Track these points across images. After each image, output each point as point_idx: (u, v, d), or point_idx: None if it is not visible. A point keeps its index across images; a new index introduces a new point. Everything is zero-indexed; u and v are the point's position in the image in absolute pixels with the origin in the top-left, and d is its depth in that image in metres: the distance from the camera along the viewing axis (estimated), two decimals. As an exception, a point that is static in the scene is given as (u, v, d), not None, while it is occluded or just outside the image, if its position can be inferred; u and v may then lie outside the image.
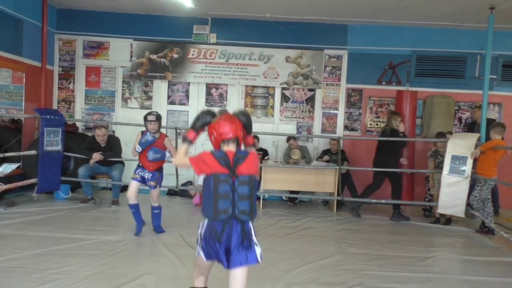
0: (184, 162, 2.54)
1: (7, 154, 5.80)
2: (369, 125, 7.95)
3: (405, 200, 7.23)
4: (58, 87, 7.97)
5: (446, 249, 4.98)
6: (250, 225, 2.50)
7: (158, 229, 5.06)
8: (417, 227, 6.02)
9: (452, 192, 5.75)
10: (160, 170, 5.02)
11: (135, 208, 4.94)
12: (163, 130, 7.73)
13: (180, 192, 7.35)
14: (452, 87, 7.75)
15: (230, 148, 2.47)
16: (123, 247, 4.40)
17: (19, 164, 5.78)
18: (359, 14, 7.14)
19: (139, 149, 4.83)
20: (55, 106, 7.85)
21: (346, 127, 7.96)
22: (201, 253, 2.50)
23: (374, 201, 7.06)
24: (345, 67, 7.87)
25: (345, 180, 7.13)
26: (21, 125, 6.85)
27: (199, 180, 7.15)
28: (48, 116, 6.10)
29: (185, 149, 2.57)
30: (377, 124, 7.92)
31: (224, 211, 2.38)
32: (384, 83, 7.82)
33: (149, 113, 4.97)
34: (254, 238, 2.53)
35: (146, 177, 4.92)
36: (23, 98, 6.89)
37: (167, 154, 5.04)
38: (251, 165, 2.46)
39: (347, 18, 7.45)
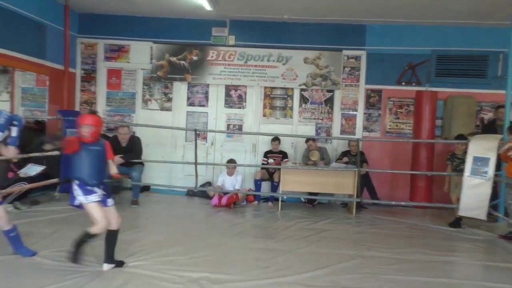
0: None
1: (31, 155, 5.95)
2: (388, 126, 7.85)
3: (424, 202, 7.14)
4: (80, 90, 8.14)
5: (467, 254, 4.87)
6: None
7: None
8: (437, 230, 5.90)
9: (474, 194, 5.61)
10: None
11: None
12: (182, 131, 7.88)
13: (198, 193, 7.41)
14: (473, 87, 7.58)
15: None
16: (141, 246, 4.46)
17: (44, 167, 5.91)
18: (378, 14, 7.07)
19: None
20: (77, 108, 8.02)
21: (365, 128, 7.88)
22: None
23: (393, 203, 6.99)
24: (364, 68, 7.80)
25: (365, 182, 7.07)
26: (44, 126, 7.02)
27: (218, 181, 7.20)
28: (70, 118, 6.25)
29: None
30: (396, 125, 7.82)
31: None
32: (403, 83, 7.72)
33: None
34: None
35: None
36: (47, 100, 7.07)
37: None
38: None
39: (365, 18, 7.39)
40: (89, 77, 8.13)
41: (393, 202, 6.99)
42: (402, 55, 7.64)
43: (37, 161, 6.05)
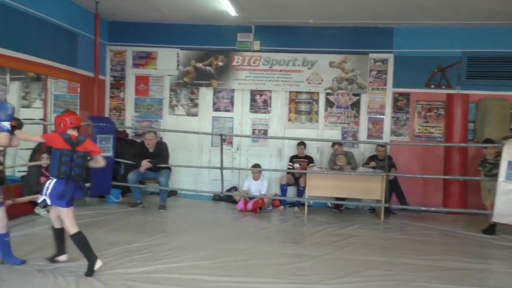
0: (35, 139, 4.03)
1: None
2: (417, 130, 7.68)
3: (458, 208, 6.94)
4: (110, 96, 8.33)
5: (501, 261, 4.70)
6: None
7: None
8: (470, 237, 5.71)
9: (509, 199, 5.43)
10: None
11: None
12: (208, 137, 7.95)
13: (224, 198, 7.44)
14: (507, 89, 7.32)
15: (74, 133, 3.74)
16: (169, 250, 4.51)
17: None
18: (405, 16, 6.95)
19: None
20: (107, 114, 8.21)
21: (393, 132, 7.74)
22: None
23: (423, 208, 6.82)
24: (391, 71, 7.67)
25: (393, 187, 6.93)
26: (76, 132, 7.20)
27: (244, 185, 7.21)
28: (100, 124, 6.40)
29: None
30: (426, 129, 7.64)
31: (65, 173, 3.67)
32: (432, 86, 7.54)
33: None
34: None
35: None
36: (78, 107, 7.26)
37: None
38: (88, 146, 3.80)
39: (392, 21, 7.27)
40: (118, 83, 8.32)
41: (423, 208, 6.82)
42: (430, 57, 7.47)
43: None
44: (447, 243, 5.38)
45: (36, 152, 6.16)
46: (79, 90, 7.25)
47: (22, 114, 6.43)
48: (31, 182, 5.65)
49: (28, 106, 6.51)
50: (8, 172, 5.50)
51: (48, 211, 5.75)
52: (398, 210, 7.03)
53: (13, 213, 5.25)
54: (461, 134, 7.18)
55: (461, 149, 7.16)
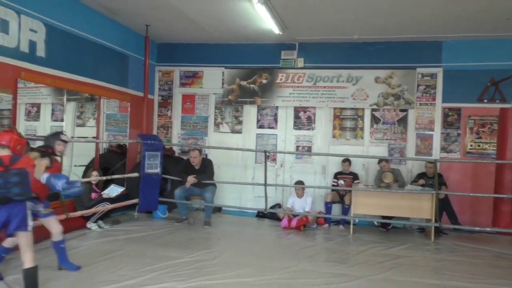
0: None
1: (114, 176, 6.40)
2: (469, 147, 7.34)
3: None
4: (158, 114, 8.64)
5: None
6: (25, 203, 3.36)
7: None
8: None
9: None
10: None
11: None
12: (252, 153, 8.01)
13: (268, 215, 7.42)
14: None
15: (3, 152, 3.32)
16: (213, 266, 4.54)
17: (124, 188, 6.29)
18: (455, 29, 6.73)
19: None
20: (155, 132, 8.50)
21: (443, 149, 7.44)
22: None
23: (477, 229, 6.47)
24: (441, 86, 7.42)
25: (443, 206, 6.63)
26: (126, 150, 7.52)
27: (288, 202, 7.17)
28: (149, 141, 6.64)
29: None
30: (478, 146, 7.29)
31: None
32: (485, 101, 7.21)
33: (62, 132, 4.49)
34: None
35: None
36: (128, 125, 7.58)
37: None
38: (22, 162, 3.33)
39: (441, 34, 7.06)
40: (166, 102, 8.61)
41: (477, 228, 6.46)
42: (483, 71, 7.15)
43: (117, 182, 6.46)
44: (501, 266, 5.04)
45: (88, 169, 6.47)
46: (129, 109, 7.57)
47: (77, 132, 6.81)
48: (83, 198, 5.92)
49: (82, 125, 6.86)
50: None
51: (99, 226, 6.00)
52: (449, 230, 6.70)
53: (67, 227, 5.52)
54: (516, 150, 6.77)
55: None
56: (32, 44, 5.35)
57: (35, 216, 3.92)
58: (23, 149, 3.56)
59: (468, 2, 5.62)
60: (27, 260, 3.33)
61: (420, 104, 7.52)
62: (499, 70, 7.08)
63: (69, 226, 5.55)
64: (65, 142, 4.29)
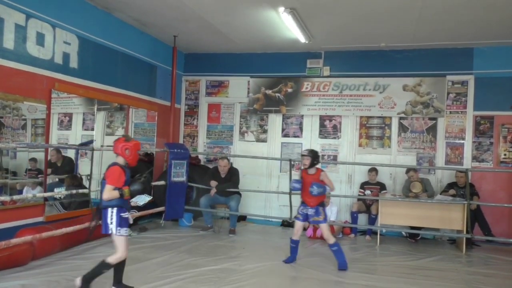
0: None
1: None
2: (503, 156, 7.10)
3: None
4: (184, 124, 8.76)
5: None
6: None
7: (341, 266, 4.91)
8: None
9: None
10: (322, 204, 5.04)
11: (295, 243, 5.16)
12: (277, 162, 8.00)
13: (293, 224, 7.34)
14: None
15: None
16: (238, 275, 4.53)
17: (152, 197, 6.36)
18: (487, 35, 6.56)
19: (297, 185, 5.02)
20: (181, 141, 8.62)
21: (474, 158, 7.22)
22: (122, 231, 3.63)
23: (511, 240, 6.23)
24: (472, 93, 7.23)
25: (476, 217, 6.41)
26: (153, 158, 7.65)
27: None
28: (175, 150, 6.72)
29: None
30: (512, 155, 7.05)
31: None
32: (519, 108, 6.98)
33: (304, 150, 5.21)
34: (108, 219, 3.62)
35: (309, 213, 5.02)
36: (155, 134, 7.71)
37: (327, 188, 5.04)
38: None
39: (472, 41, 6.90)
40: (192, 111, 8.73)
41: (511, 240, 6.21)
42: (516, 77, 6.95)
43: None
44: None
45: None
46: (156, 118, 7.71)
47: (106, 141, 6.97)
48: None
49: (112, 134, 7.02)
50: (93, 195, 5.99)
51: (131, 233, 6.10)
52: (482, 242, 6.48)
53: (96, 234, 5.64)
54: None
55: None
56: (66, 56, 5.56)
57: None
58: (135, 151, 3.78)
59: (499, 9, 5.48)
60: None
61: (450, 112, 7.34)
62: (533, 76, 6.85)
63: (98, 233, 5.66)
64: None
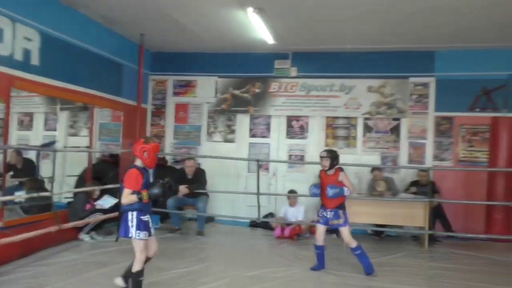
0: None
1: (106, 186, 6.33)
2: (462, 155, 7.41)
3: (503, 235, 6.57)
4: (151, 124, 8.60)
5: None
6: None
7: (367, 270, 4.74)
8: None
9: None
10: (341, 207, 4.81)
11: (320, 249, 4.90)
12: (245, 162, 8.00)
13: (261, 224, 7.39)
14: (556, 111, 6.98)
15: None
16: (207, 277, 4.49)
17: (118, 200, 6.20)
18: (447, 39, 6.82)
19: (316, 191, 4.90)
20: (147, 141, 8.44)
21: (435, 157, 7.49)
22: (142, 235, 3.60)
23: (470, 235, 6.51)
24: (433, 95, 7.51)
25: (437, 214, 6.66)
26: (118, 159, 7.46)
27: (281, 212, 7.15)
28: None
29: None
30: (471, 154, 7.36)
31: None
32: (477, 110, 7.29)
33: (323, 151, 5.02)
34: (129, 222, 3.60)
35: (328, 216, 4.81)
36: (121, 135, 7.53)
37: (346, 189, 4.77)
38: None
39: (433, 45, 7.16)
40: (159, 111, 8.59)
41: (470, 235, 6.49)
42: (475, 80, 7.26)
43: (110, 192, 6.40)
44: (497, 273, 5.07)
45: (81, 179, 6.41)
46: (122, 118, 7.53)
47: (70, 142, 6.75)
48: (77, 209, 5.85)
49: (75, 135, 6.82)
50: (55, 198, 5.78)
51: (92, 238, 5.93)
52: (443, 238, 6.73)
53: (59, 239, 5.46)
54: (507, 158, 6.87)
55: (507, 174, 6.82)
56: (27, 53, 5.31)
57: None
58: (153, 153, 3.69)
59: (460, 14, 5.71)
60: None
61: (413, 113, 7.59)
62: (490, 79, 7.20)
63: (62, 237, 5.48)
64: None
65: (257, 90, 8.08)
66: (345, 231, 4.76)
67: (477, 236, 6.53)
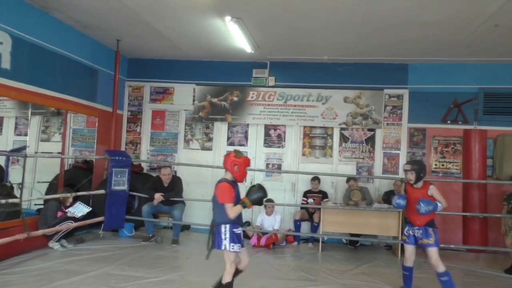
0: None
1: (79, 193, 6.19)
2: (434, 166, 7.58)
3: (478, 246, 6.72)
4: (127, 130, 8.48)
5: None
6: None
7: None
8: (492, 277, 5.49)
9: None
10: (431, 224, 4.34)
11: (408, 270, 4.54)
12: (222, 171, 7.95)
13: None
14: (525, 125, 7.23)
15: None
16: (182, 287, 4.43)
17: (90, 209, 6.06)
18: (420, 53, 7.01)
19: (402, 202, 4.39)
20: (123, 148, 8.33)
21: (409, 168, 7.63)
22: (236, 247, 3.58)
23: (442, 246, 6.61)
24: (407, 106, 7.68)
25: (410, 224, 6.76)
26: (92, 166, 7.32)
27: (257, 220, 7.14)
28: (116, 157, 6.49)
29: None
30: (442, 165, 7.53)
31: None
32: (449, 122, 7.49)
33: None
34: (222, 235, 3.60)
35: (416, 234, 4.39)
36: (95, 141, 7.40)
37: (439, 205, 4.27)
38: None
39: (407, 58, 7.34)
40: (135, 118, 8.48)
41: (442, 245, 6.60)
42: (446, 93, 7.47)
43: (83, 199, 6.26)
44: (469, 283, 5.18)
45: (53, 186, 6.25)
46: (97, 124, 7.40)
47: (41, 147, 6.58)
48: (47, 216, 5.69)
49: (47, 140, 6.65)
50: (24, 205, 5.60)
51: (62, 246, 5.77)
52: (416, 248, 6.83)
53: (27, 247, 5.29)
54: (479, 170, 7.06)
55: (481, 186, 7.00)
56: (-4, 56, 5.18)
57: None
58: (244, 167, 3.73)
59: (431, 29, 5.88)
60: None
61: (387, 124, 7.73)
62: (461, 92, 7.42)
63: (30, 245, 5.32)
64: None
65: (235, 99, 8.09)
66: (433, 252, 4.25)
67: (448, 246, 6.64)
